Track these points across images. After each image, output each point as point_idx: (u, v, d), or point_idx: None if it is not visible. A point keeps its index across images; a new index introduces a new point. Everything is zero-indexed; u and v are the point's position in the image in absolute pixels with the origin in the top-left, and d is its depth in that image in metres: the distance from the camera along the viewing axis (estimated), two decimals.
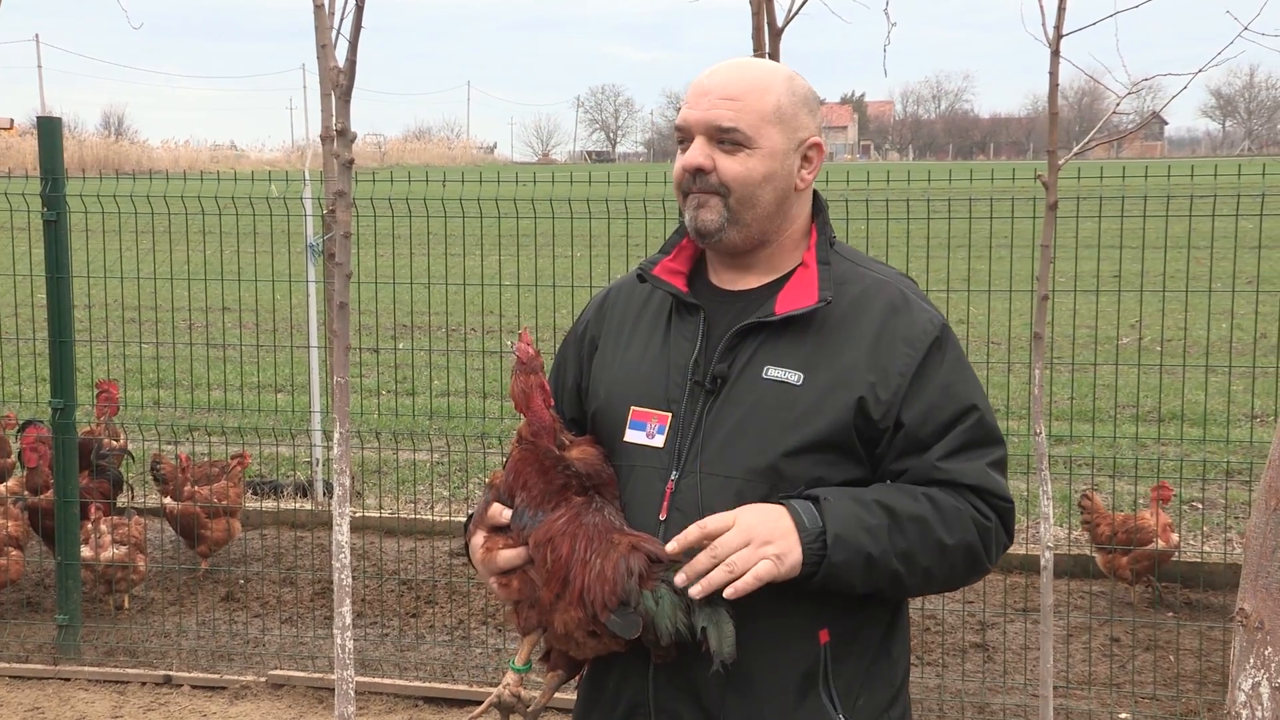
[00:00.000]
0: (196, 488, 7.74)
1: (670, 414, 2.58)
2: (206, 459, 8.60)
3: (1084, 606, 7.10)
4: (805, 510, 2.39)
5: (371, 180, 8.18)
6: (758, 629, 2.43)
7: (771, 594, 2.45)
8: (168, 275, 8.48)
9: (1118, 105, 5.18)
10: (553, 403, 2.66)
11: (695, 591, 2.36)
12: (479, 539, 2.63)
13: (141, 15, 7.88)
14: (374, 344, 14.46)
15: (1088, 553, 7.43)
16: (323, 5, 5.69)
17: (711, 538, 2.37)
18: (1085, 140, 5.20)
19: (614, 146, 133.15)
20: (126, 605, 7.38)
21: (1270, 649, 2.18)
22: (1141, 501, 8.68)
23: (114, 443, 8.12)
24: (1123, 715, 6.00)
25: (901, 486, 2.48)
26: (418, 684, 6.33)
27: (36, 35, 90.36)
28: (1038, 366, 5.10)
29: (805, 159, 2.60)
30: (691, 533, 2.38)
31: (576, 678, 2.73)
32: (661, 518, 2.53)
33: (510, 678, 2.64)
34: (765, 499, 2.46)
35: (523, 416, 2.65)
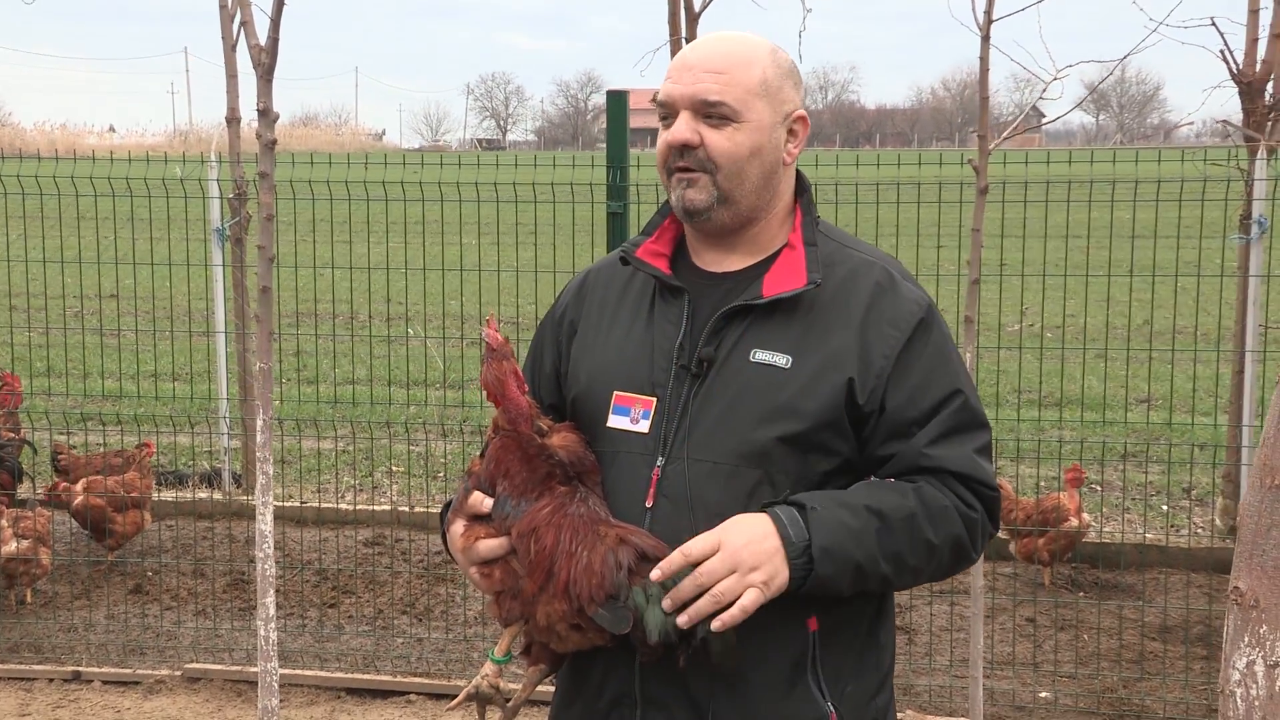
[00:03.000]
0: (101, 478, 7.48)
1: (655, 399, 2.52)
2: (103, 449, 8.35)
3: (998, 589, 7.18)
4: (791, 521, 2.34)
5: (292, 163, 7.98)
6: (747, 618, 2.37)
7: None
8: (52, 260, 8.21)
9: (1044, 90, 5.21)
10: (527, 389, 2.58)
11: (681, 620, 2.30)
12: (458, 528, 2.54)
13: None
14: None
15: (1001, 535, 7.51)
16: None
17: (696, 562, 2.31)
18: (1013, 125, 5.25)
19: (504, 134, 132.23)
20: (29, 599, 7.14)
21: (1265, 627, 2.18)
22: (1043, 485, 8.84)
23: (12, 434, 7.85)
24: (1043, 694, 6.08)
25: (887, 483, 2.45)
26: (339, 675, 6.21)
27: None
28: (969, 349, 5.13)
29: (790, 132, 2.55)
30: (675, 559, 2.33)
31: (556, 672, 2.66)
32: (648, 505, 2.48)
33: (489, 669, 2.55)
34: (756, 485, 2.42)
35: (496, 406, 2.57)
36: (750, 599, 2.29)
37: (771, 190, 2.56)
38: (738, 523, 2.35)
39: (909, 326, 2.48)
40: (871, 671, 2.57)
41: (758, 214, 2.55)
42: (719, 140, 2.47)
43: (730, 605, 2.29)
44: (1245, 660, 2.19)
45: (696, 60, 2.50)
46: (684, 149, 2.48)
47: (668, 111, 2.52)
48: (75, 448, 8.37)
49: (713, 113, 2.47)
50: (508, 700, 2.55)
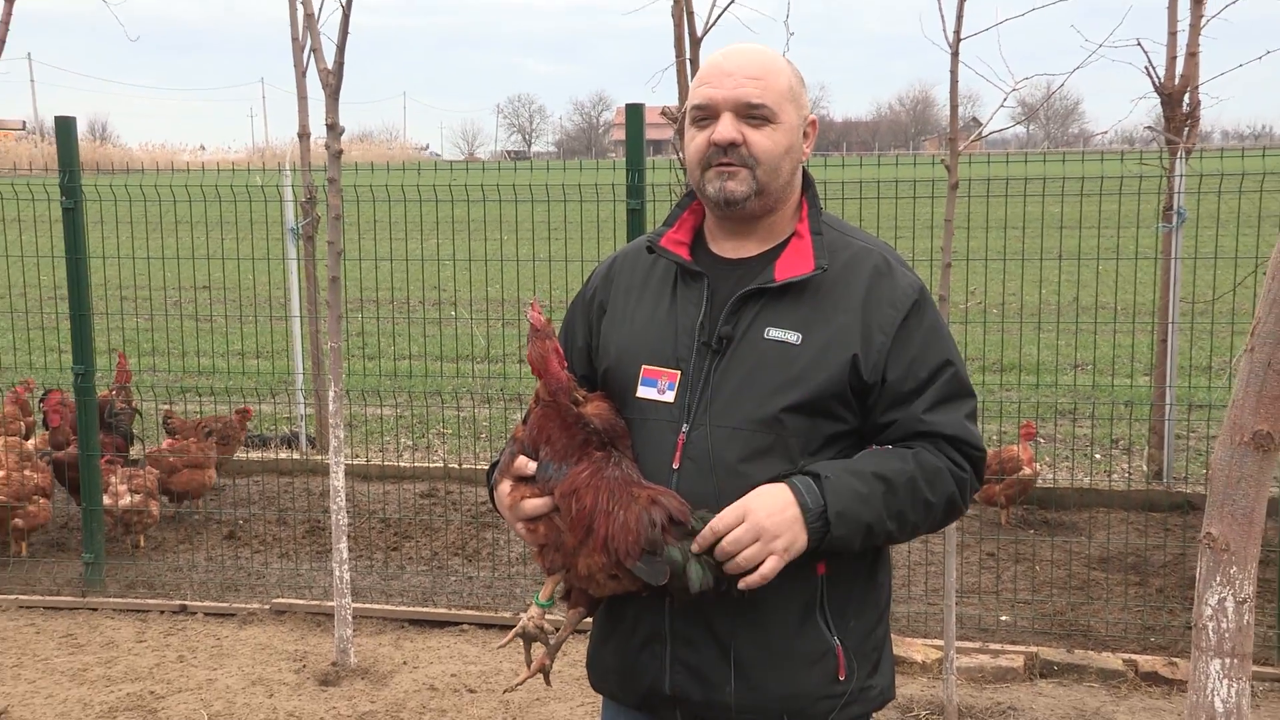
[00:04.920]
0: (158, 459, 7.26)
1: (680, 372, 2.39)
2: (199, 414, 8.24)
3: (963, 528, 7.04)
4: (808, 489, 2.23)
5: (355, 170, 7.83)
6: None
7: None
8: (155, 257, 8.10)
9: (1005, 100, 5.05)
10: (566, 364, 2.46)
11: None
12: (505, 487, 2.43)
13: (114, 34, 7.50)
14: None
15: None
16: (313, 14, 5.39)
17: (722, 535, 2.21)
18: (981, 128, 5.10)
19: (529, 146, 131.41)
20: (142, 544, 7.04)
21: (1235, 568, 2.07)
22: (994, 439, 8.70)
23: (124, 405, 7.75)
24: (1003, 617, 5.96)
25: (888, 450, 2.33)
26: (403, 608, 6.09)
27: (29, 54, 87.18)
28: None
29: (804, 134, 2.43)
30: (706, 535, 2.22)
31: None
32: (675, 466, 2.35)
33: (534, 611, 2.46)
34: (770, 447, 2.30)
35: (538, 379, 2.45)
36: (770, 566, 2.20)
37: (792, 185, 2.45)
38: (760, 494, 2.24)
39: (905, 307, 2.37)
40: (871, 608, 2.46)
41: (779, 205, 2.44)
42: (760, 139, 2.35)
43: (754, 569, 2.20)
44: (1217, 598, 2.07)
45: (734, 68, 2.36)
46: (729, 147, 2.35)
47: (707, 114, 2.38)
48: (181, 414, 8.27)
49: (754, 114, 2.34)
50: (550, 639, 2.46)
